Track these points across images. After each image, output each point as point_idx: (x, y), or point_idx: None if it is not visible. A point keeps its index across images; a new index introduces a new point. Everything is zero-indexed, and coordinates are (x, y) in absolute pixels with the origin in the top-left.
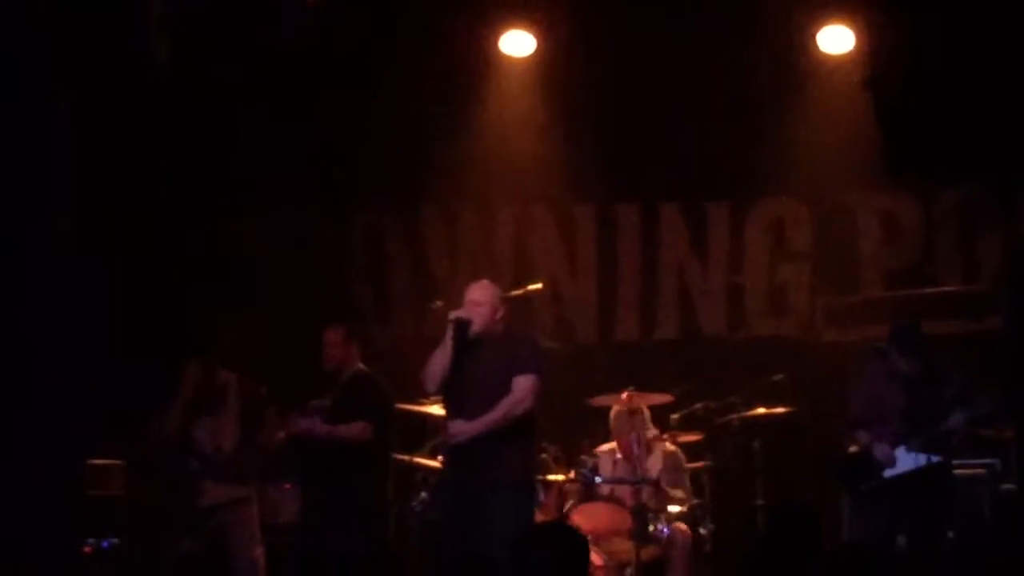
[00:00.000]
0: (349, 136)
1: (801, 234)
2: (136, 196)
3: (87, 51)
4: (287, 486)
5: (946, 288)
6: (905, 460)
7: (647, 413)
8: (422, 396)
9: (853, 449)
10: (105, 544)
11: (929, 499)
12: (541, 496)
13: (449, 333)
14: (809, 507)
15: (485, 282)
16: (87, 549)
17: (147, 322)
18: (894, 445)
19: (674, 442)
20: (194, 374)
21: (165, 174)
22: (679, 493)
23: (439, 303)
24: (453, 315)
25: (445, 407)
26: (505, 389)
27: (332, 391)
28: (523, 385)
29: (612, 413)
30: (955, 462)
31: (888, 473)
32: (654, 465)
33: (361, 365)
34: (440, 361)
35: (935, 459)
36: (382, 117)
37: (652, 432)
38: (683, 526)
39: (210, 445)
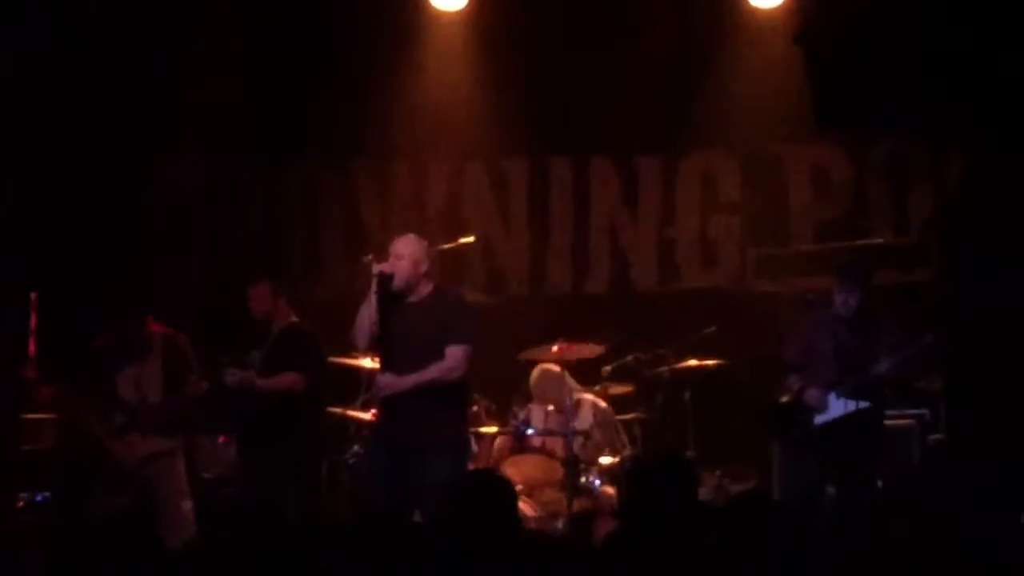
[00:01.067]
0: (283, 88)
1: (732, 187)
2: (70, 142)
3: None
4: (221, 439)
5: (876, 240)
6: (836, 406)
7: (565, 372)
8: (354, 350)
9: (784, 399)
10: (38, 498)
11: (857, 445)
12: (475, 448)
13: (373, 287)
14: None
15: (410, 236)
16: (20, 503)
17: (80, 271)
18: (825, 390)
19: (604, 394)
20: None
21: (97, 120)
22: (611, 444)
23: (369, 257)
24: (376, 268)
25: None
26: (434, 349)
27: (266, 343)
28: (455, 354)
29: (532, 377)
30: (886, 412)
31: (819, 419)
32: (584, 418)
33: (293, 318)
34: (367, 317)
35: (864, 404)
36: (315, 69)
37: (575, 387)
38: (610, 489)
39: (135, 397)
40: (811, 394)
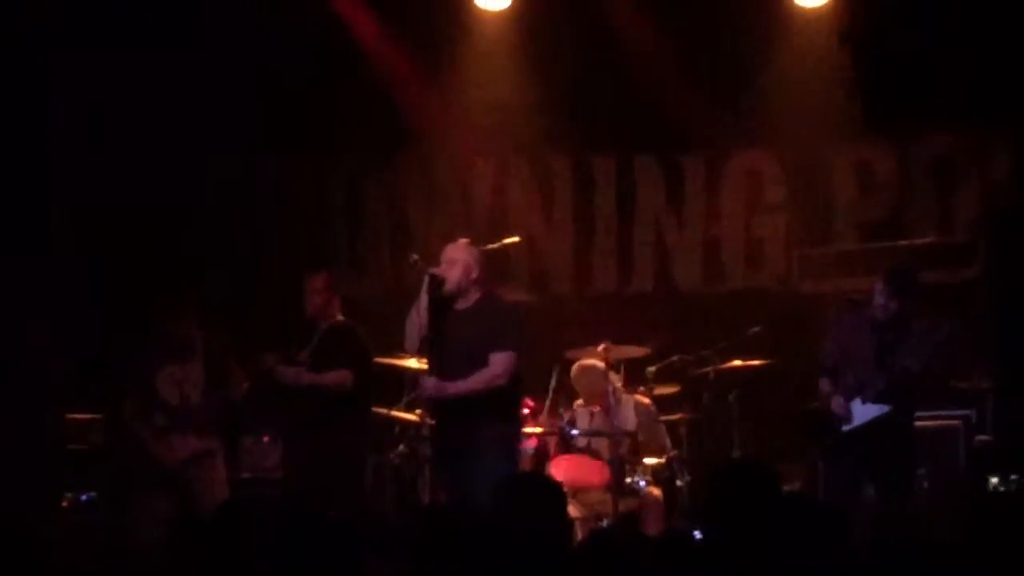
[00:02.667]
0: (328, 85)
1: (777, 187)
2: (115, 140)
3: None
4: (266, 438)
5: (921, 239)
6: (860, 413)
7: (608, 368)
8: (399, 349)
9: (813, 405)
10: (84, 498)
11: (888, 450)
12: (529, 449)
13: (424, 288)
14: (763, 464)
15: (462, 242)
16: (65, 503)
17: (125, 271)
18: (850, 397)
19: (649, 395)
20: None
21: (146, 118)
22: (656, 444)
23: (416, 257)
24: (429, 271)
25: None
26: (480, 356)
27: (310, 341)
28: (501, 361)
29: (572, 371)
30: (929, 413)
31: (845, 427)
32: (628, 418)
33: (340, 315)
34: (416, 320)
35: (885, 410)
36: (361, 67)
37: (620, 385)
38: (655, 490)
39: (176, 398)
40: (836, 402)
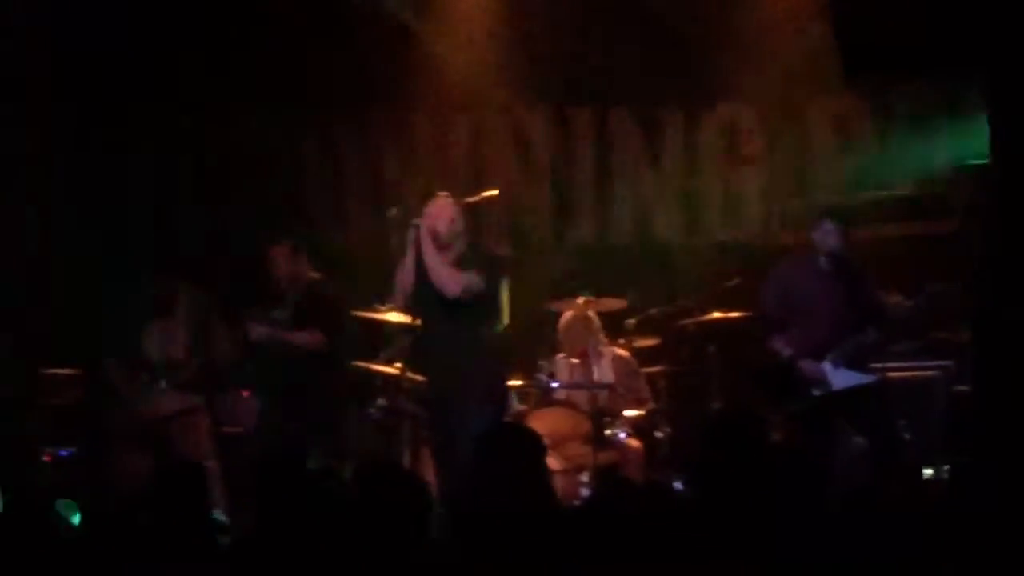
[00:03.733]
0: (301, 41)
1: (755, 139)
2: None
3: None
4: (244, 394)
5: (899, 192)
6: (836, 377)
7: (597, 320)
8: (378, 303)
9: (770, 363)
10: (63, 453)
11: (872, 407)
12: (518, 405)
13: (410, 242)
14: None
15: (441, 198)
16: (46, 458)
17: (103, 228)
18: (819, 358)
19: (628, 347)
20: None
21: (123, 72)
22: (636, 397)
23: (394, 210)
24: (414, 223)
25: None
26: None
27: (288, 302)
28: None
29: (561, 322)
30: (908, 364)
31: (817, 391)
32: (607, 371)
33: (314, 274)
34: (405, 275)
35: (868, 379)
36: (335, 22)
37: (602, 339)
38: (635, 441)
39: (158, 354)
40: (807, 366)
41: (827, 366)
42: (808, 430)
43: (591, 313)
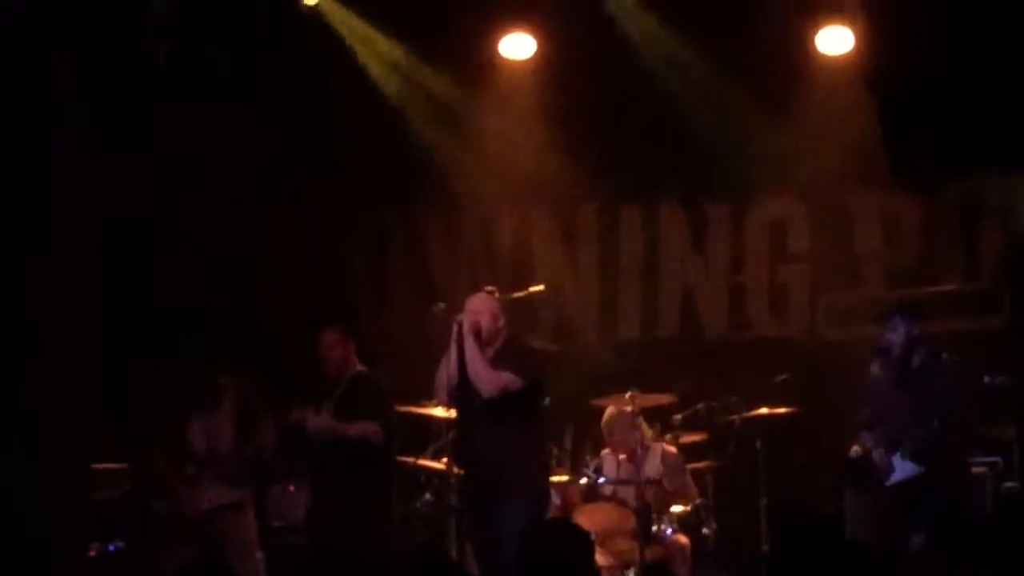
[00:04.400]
0: (351, 136)
1: (801, 234)
2: (134, 191)
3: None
4: (291, 488)
5: (947, 286)
6: (900, 468)
7: (640, 416)
8: (424, 398)
9: (856, 451)
10: (111, 548)
11: (926, 505)
12: (555, 499)
13: (453, 337)
14: (820, 512)
15: (483, 293)
16: (92, 553)
17: (149, 324)
18: (891, 451)
19: (675, 442)
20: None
21: (165, 169)
22: (682, 493)
23: (441, 306)
24: (457, 319)
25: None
26: (507, 401)
27: (334, 392)
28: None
29: (604, 418)
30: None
31: (887, 482)
32: (654, 466)
33: (360, 366)
34: (446, 371)
35: (920, 470)
36: (384, 118)
37: (648, 433)
38: (682, 538)
39: (205, 448)
40: (878, 455)
41: (896, 457)
42: (873, 520)
43: (630, 408)
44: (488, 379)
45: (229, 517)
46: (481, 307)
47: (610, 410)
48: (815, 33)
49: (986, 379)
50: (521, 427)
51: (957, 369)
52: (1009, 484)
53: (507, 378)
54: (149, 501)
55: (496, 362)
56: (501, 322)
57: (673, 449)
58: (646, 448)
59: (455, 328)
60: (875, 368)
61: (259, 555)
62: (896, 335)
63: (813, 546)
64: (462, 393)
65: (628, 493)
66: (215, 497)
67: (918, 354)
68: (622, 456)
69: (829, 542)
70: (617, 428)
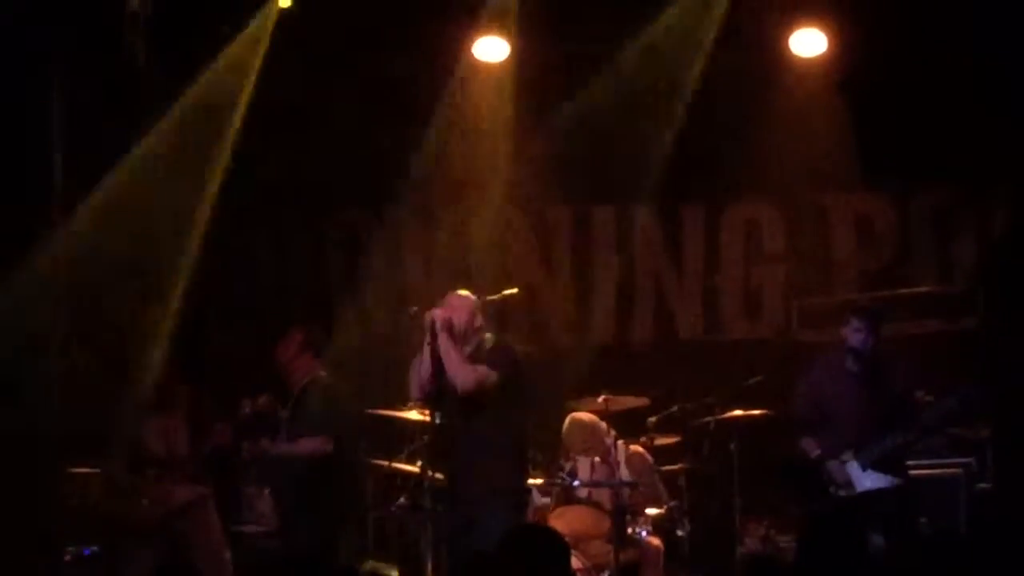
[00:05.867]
0: (325, 139)
1: (776, 236)
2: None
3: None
4: (267, 491)
5: (920, 289)
6: (861, 479)
7: (600, 422)
8: (399, 402)
9: (796, 460)
10: (86, 552)
11: (894, 510)
12: (536, 501)
13: (427, 336)
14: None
15: (462, 292)
16: (67, 557)
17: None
18: (844, 460)
19: (649, 445)
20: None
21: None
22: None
23: (415, 308)
24: (430, 315)
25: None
26: (481, 400)
27: (290, 398)
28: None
29: (564, 428)
30: (929, 461)
31: (843, 492)
32: (625, 468)
33: (320, 372)
34: (422, 368)
35: (895, 482)
36: (358, 120)
37: (611, 439)
38: (655, 540)
39: (164, 450)
40: (832, 468)
41: (853, 468)
42: (831, 531)
43: (587, 416)
44: (463, 373)
45: (193, 515)
46: (457, 304)
47: (568, 420)
48: (789, 35)
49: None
50: (497, 427)
51: (911, 373)
52: (983, 485)
53: (482, 371)
54: (113, 504)
55: (472, 360)
56: (478, 322)
57: (641, 451)
58: (617, 450)
59: (428, 323)
60: (818, 366)
61: (227, 553)
62: (858, 336)
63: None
64: (437, 391)
65: (603, 496)
66: (177, 496)
67: (874, 357)
68: (596, 459)
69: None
70: (576, 436)
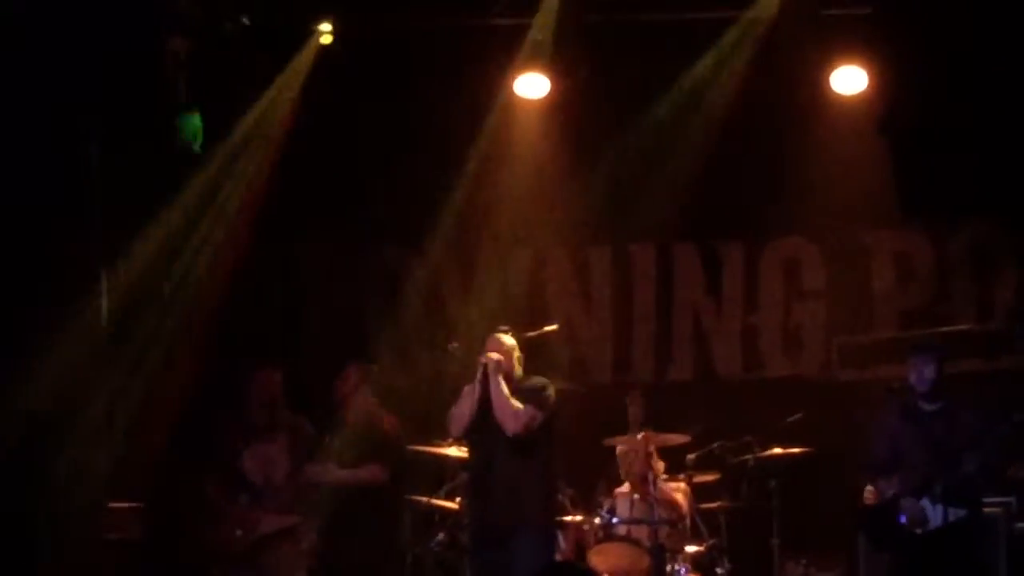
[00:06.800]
0: (367, 176)
1: (815, 274)
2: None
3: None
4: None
5: (960, 327)
6: (933, 516)
7: (654, 451)
8: (439, 438)
9: (872, 500)
10: None
11: (966, 550)
12: (561, 542)
13: (478, 377)
14: None
15: (503, 334)
16: None
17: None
18: (918, 496)
19: (689, 482)
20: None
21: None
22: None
23: (455, 345)
24: (484, 358)
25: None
26: (524, 437)
27: (343, 427)
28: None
29: (619, 451)
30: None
31: (919, 530)
32: (666, 506)
33: (372, 405)
34: (467, 406)
35: (960, 512)
36: (399, 157)
37: (659, 472)
38: None
39: (261, 478)
40: (907, 505)
41: (926, 502)
42: (905, 571)
43: (652, 449)
44: (515, 416)
45: (280, 544)
46: (504, 348)
47: (621, 447)
48: (829, 73)
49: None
50: (536, 464)
51: (980, 408)
52: (1022, 524)
53: (531, 413)
54: (203, 529)
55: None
56: (521, 363)
57: (685, 488)
58: (659, 488)
59: (480, 368)
60: (888, 409)
61: None
62: (926, 371)
63: None
64: (479, 430)
65: (642, 533)
66: (267, 525)
67: (938, 395)
68: (635, 496)
69: None
70: (631, 460)
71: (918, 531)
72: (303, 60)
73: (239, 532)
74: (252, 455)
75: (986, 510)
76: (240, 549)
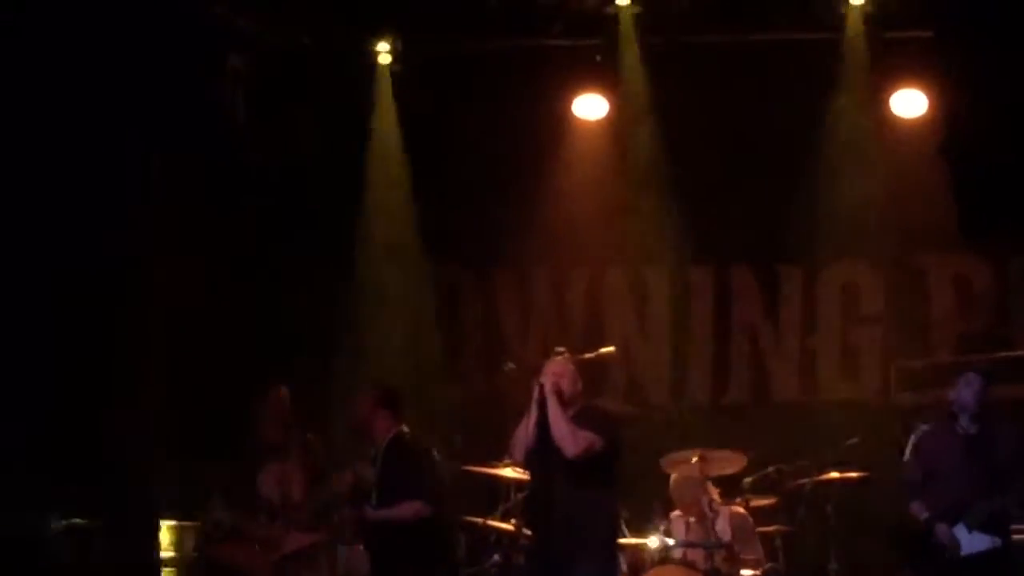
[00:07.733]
0: (425, 195)
1: (873, 298)
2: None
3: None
4: (360, 546)
5: (1020, 352)
6: (967, 542)
7: (707, 481)
8: (493, 458)
9: (909, 526)
10: None
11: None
12: (623, 566)
13: (534, 399)
14: None
15: (560, 357)
16: None
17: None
18: (952, 523)
19: (745, 506)
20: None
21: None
22: (751, 556)
23: (511, 365)
24: (540, 381)
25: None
26: (582, 464)
27: (375, 457)
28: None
29: (672, 481)
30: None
31: (951, 556)
32: (724, 529)
33: (403, 429)
34: (525, 431)
35: (996, 541)
36: (457, 178)
37: (715, 495)
38: None
39: (278, 496)
40: (941, 531)
41: (961, 531)
42: None
43: (696, 473)
44: (573, 440)
45: (303, 562)
46: (561, 370)
47: (675, 476)
48: (890, 95)
49: None
50: (598, 490)
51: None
52: None
53: (591, 439)
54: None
55: (575, 424)
56: (579, 385)
57: (742, 511)
58: (715, 511)
59: (536, 390)
60: (929, 430)
61: None
62: (969, 391)
63: None
64: (539, 454)
65: (698, 556)
66: (289, 543)
67: (983, 419)
68: (691, 519)
69: None
70: (686, 491)
71: (949, 556)
72: (372, 83)
73: (257, 548)
74: (267, 474)
75: (1015, 537)
76: (264, 568)
